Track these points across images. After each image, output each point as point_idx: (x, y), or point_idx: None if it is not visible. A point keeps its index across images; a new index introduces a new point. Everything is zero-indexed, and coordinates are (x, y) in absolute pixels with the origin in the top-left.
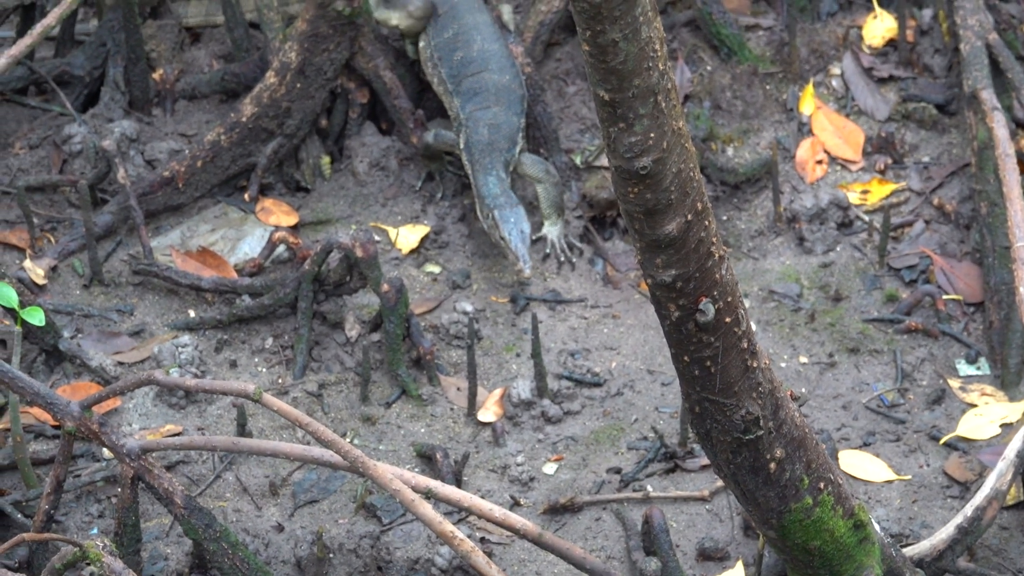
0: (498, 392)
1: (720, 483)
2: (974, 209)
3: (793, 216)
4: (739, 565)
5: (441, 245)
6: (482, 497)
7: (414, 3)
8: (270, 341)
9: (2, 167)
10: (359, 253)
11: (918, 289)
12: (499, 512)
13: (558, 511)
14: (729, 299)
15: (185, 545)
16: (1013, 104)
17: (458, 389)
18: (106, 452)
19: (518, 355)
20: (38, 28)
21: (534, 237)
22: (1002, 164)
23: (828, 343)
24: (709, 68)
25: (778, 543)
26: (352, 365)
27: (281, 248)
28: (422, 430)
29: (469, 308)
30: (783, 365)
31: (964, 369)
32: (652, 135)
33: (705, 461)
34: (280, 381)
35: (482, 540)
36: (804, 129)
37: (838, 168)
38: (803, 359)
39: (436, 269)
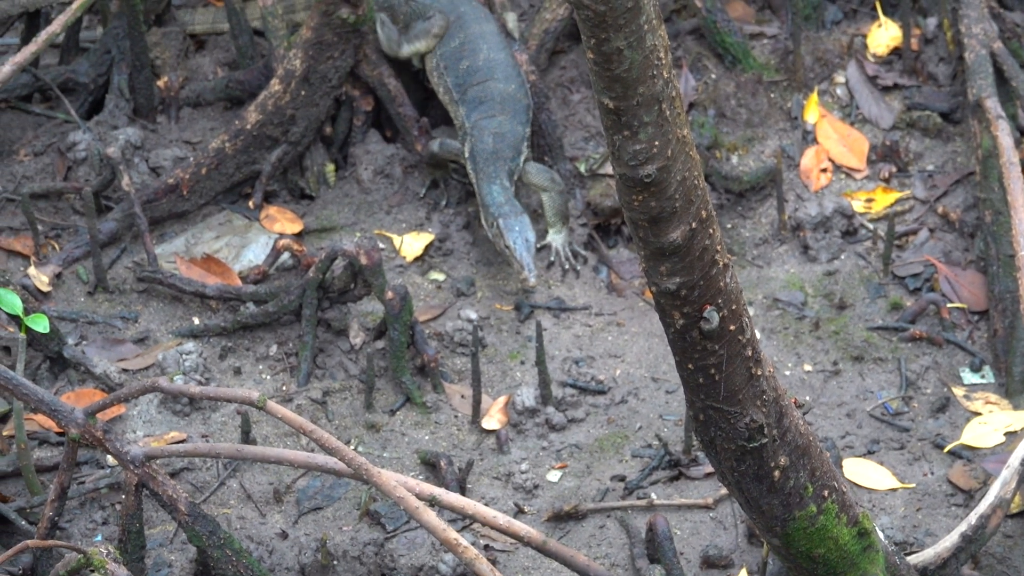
0: (502, 399)
1: (724, 491)
2: (978, 217)
3: (797, 224)
4: (743, 573)
5: (445, 253)
6: (486, 504)
7: (435, 24)
8: (274, 348)
9: (7, 174)
10: (363, 260)
11: (922, 297)
12: (503, 519)
13: (562, 518)
14: (733, 307)
15: (189, 552)
16: (1017, 112)
17: (462, 396)
18: (110, 459)
19: (522, 363)
20: (43, 35)
21: (538, 245)
22: (1006, 172)
23: (832, 351)
24: (714, 76)
25: (782, 551)
26: (356, 372)
27: (285, 255)
28: (426, 437)
29: (473, 315)
30: (787, 373)
31: (968, 377)
32: (656, 143)
33: (709, 469)
34: (284, 388)
35: (486, 547)
36: (808, 137)
37: (842, 176)
38: (807, 367)
39: (440, 276)
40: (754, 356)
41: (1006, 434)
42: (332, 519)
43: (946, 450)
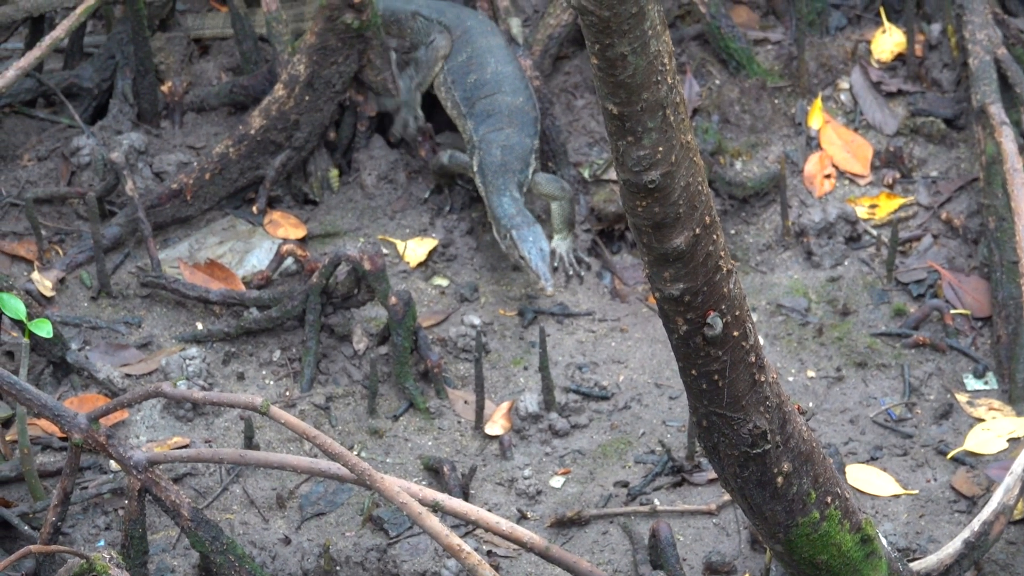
0: (505, 405)
1: (727, 497)
2: (982, 223)
3: (801, 230)
4: None
5: (449, 258)
6: (489, 510)
7: (440, 45)
8: (278, 354)
9: (11, 179)
10: (367, 266)
11: (926, 303)
12: (506, 525)
13: (565, 524)
14: (737, 313)
15: (192, 557)
16: (1021, 119)
17: (465, 402)
18: (113, 464)
19: (526, 368)
20: (47, 40)
21: None
22: (1010, 179)
23: (836, 357)
24: (718, 82)
25: (785, 557)
26: (360, 378)
27: (289, 261)
28: (429, 443)
29: (477, 321)
30: (791, 379)
31: (972, 383)
32: (660, 149)
33: (712, 475)
34: (288, 394)
35: (489, 553)
36: (812, 143)
37: (846, 182)
38: (811, 373)
39: (444, 282)
40: (757, 362)
41: (1009, 440)
42: (335, 525)
43: (949, 456)
